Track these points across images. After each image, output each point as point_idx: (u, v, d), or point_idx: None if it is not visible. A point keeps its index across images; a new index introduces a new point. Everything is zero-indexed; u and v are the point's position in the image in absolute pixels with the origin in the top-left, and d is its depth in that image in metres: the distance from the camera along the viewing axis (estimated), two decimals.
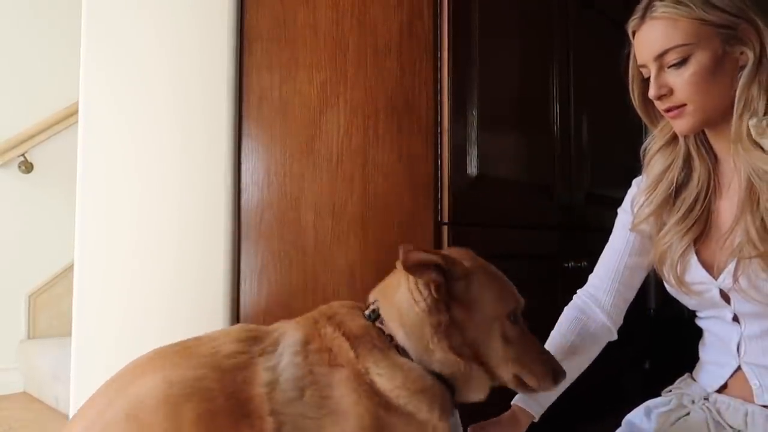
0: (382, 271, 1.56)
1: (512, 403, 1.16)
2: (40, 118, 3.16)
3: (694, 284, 1.12)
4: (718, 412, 1.09)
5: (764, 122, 0.88)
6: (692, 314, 1.22)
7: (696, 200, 1.12)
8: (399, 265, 0.95)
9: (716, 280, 1.08)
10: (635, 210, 1.21)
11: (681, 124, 1.07)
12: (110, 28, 1.78)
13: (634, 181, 1.28)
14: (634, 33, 1.10)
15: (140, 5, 1.79)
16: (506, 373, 0.98)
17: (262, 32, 1.77)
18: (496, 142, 1.73)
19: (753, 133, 0.91)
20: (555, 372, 1.00)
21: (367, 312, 1.01)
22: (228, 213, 1.75)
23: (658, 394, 1.24)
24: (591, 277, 1.30)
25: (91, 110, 1.76)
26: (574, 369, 1.19)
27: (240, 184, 1.77)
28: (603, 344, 1.26)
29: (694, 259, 1.11)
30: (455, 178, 1.54)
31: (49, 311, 3.17)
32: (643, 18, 1.07)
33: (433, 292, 0.93)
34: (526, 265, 1.83)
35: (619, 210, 1.29)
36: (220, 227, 1.74)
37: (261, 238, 1.73)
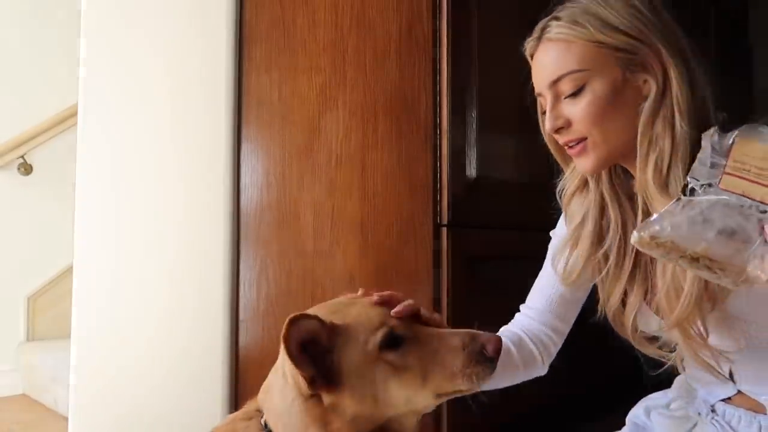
0: (382, 272, 1.56)
1: None
2: (40, 120, 3.16)
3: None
4: (729, 425, 1.02)
5: (645, 234, 0.75)
6: None
7: (621, 254, 1.01)
8: (280, 358, 0.83)
9: None
10: (557, 268, 1.09)
11: (584, 163, 0.97)
12: (109, 30, 1.78)
13: (553, 233, 1.18)
14: (531, 56, 1.00)
15: (139, 8, 1.79)
16: (426, 401, 0.84)
17: (261, 34, 1.77)
18: (495, 143, 1.73)
19: (638, 248, 0.78)
20: (479, 355, 0.82)
21: (263, 420, 0.86)
22: (227, 215, 1.75)
23: (650, 390, 1.20)
24: (523, 307, 1.20)
25: (90, 112, 1.76)
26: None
27: (239, 186, 1.77)
28: (529, 376, 1.14)
29: (654, 317, 1.01)
30: (454, 180, 1.54)
31: (48, 313, 3.16)
32: (539, 39, 0.97)
33: (306, 390, 0.80)
34: (525, 268, 1.82)
35: (552, 234, 1.19)
36: (219, 229, 1.74)
37: (260, 240, 1.73)
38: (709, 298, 0.90)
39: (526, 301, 1.20)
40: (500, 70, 1.77)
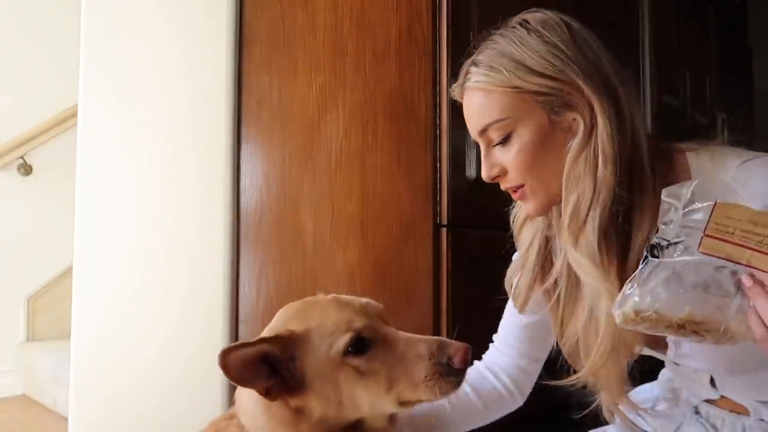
0: (381, 273, 1.56)
1: None
2: (40, 120, 3.16)
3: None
4: (714, 427, 1.01)
5: (627, 310, 0.71)
6: None
7: (573, 283, 0.96)
8: None
9: (667, 354, 0.97)
10: (509, 291, 1.07)
11: (527, 207, 0.95)
12: (109, 31, 1.78)
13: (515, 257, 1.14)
14: (462, 99, 0.97)
15: (139, 8, 1.79)
16: (389, 407, 0.82)
17: (261, 35, 1.77)
18: None
19: (623, 326, 0.74)
20: (446, 367, 0.79)
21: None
22: (227, 215, 1.75)
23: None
24: (495, 339, 1.17)
25: (90, 113, 1.76)
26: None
27: (239, 186, 1.77)
28: (501, 413, 1.12)
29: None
30: (454, 181, 1.54)
31: (48, 314, 3.16)
32: (462, 87, 0.95)
33: (267, 400, 0.79)
34: None
35: (514, 258, 1.14)
36: (219, 230, 1.74)
37: (260, 241, 1.73)
38: (625, 347, 0.88)
39: (497, 332, 1.17)
40: None
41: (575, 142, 0.86)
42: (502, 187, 0.96)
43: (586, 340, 0.89)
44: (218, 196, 1.75)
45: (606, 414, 1.00)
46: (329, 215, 1.61)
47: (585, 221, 0.85)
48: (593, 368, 0.88)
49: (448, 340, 0.82)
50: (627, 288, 0.73)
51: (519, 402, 1.12)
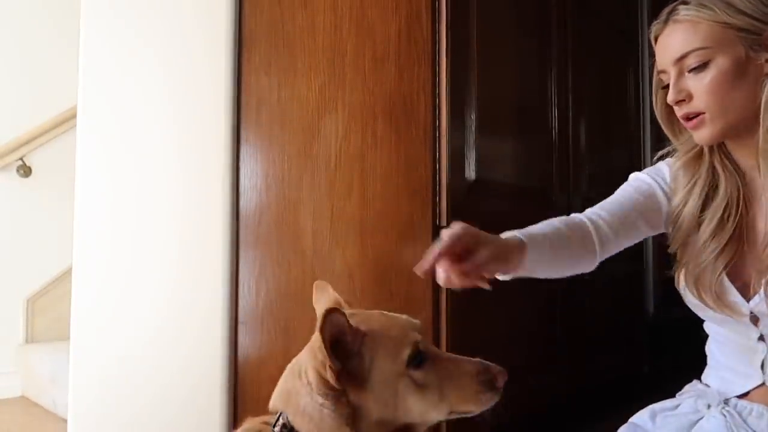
0: (381, 274, 1.56)
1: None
2: (39, 121, 3.15)
3: (727, 304, 1.06)
4: (740, 416, 1.04)
5: None
6: (697, 319, 1.17)
7: (725, 217, 1.05)
8: (294, 363, 0.89)
9: (748, 302, 1.02)
10: (668, 230, 1.13)
11: (700, 134, 1.03)
12: (109, 32, 1.78)
13: (665, 163, 1.17)
14: (656, 38, 1.07)
15: (139, 10, 1.79)
16: (439, 416, 0.90)
17: (261, 36, 1.77)
18: (494, 146, 1.73)
19: None
20: (490, 384, 0.89)
21: (277, 429, 0.88)
22: (226, 217, 1.75)
23: (660, 398, 1.21)
24: (593, 208, 1.16)
25: (89, 114, 1.76)
26: (547, 260, 1.08)
27: (238, 188, 1.77)
28: (581, 264, 1.12)
29: (725, 279, 1.05)
30: (453, 182, 1.54)
31: (47, 315, 3.16)
32: (665, 22, 1.04)
33: (334, 383, 0.83)
34: None
35: (636, 176, 1.18)
36: (218, 231, 1.74)
37: (259, 242, 1.73)
38: None
39: (598, 205, 1.17)
40: (499, 71, 1.77)
41: None
42: (681, 112, 1.03)
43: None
44: (217, 197, 1.75)
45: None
46: (329, 216, 1.61)
47: None
48: None
49: (488, 362, 0.92)
50: None
51: (595, 261, 1.12)
